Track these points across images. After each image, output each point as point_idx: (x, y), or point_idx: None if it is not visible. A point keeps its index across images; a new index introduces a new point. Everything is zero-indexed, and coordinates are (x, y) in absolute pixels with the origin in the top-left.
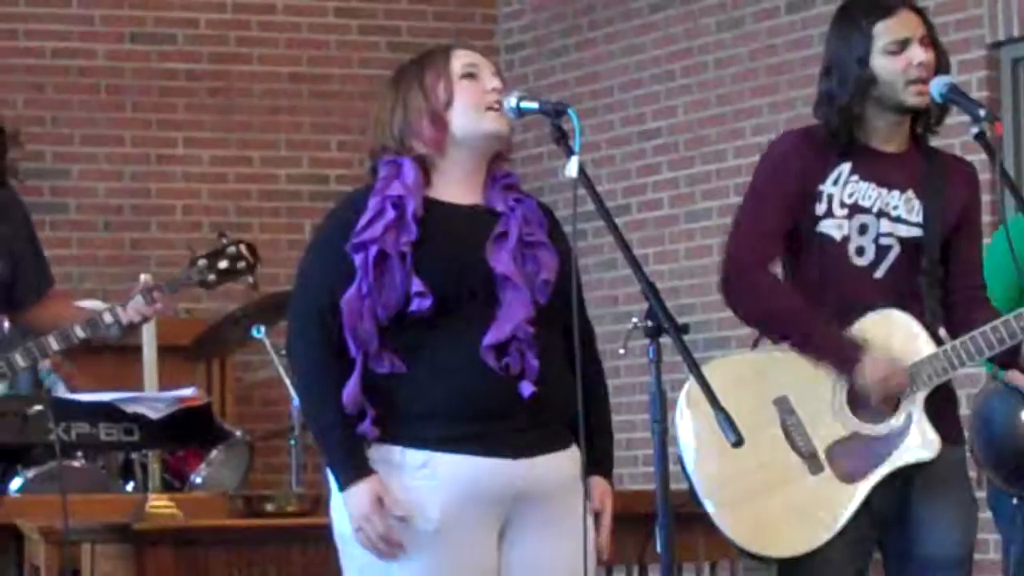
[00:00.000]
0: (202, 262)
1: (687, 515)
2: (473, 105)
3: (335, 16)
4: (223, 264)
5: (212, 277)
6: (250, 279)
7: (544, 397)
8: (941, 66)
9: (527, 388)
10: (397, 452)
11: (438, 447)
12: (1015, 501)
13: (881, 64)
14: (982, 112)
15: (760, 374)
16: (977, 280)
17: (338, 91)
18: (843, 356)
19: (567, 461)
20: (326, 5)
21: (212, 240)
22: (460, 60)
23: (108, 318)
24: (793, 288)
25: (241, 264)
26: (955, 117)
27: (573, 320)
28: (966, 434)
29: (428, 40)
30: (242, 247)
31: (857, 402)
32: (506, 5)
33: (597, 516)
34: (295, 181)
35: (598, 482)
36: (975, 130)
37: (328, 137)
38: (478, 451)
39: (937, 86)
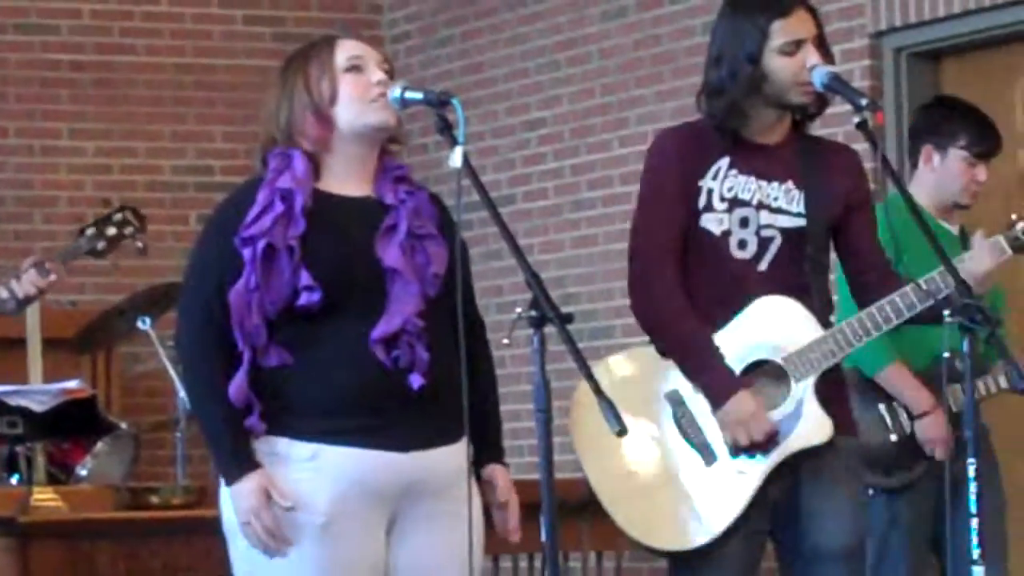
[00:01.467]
0: (91, 231)
1: (573, 505)
2: (357, 99)
3: (220, 7)
4: (111, 231)
5: (102, 244)
6: (139, 244)
7: (434, 390)
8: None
9: (416, 380)
10: (284, 444)
11: (326, 439)
12: (871, 492)
13: (774, 63)
14: (864, 101)
15: (653, 368)
16: (883, 257)
17: (223, 82)
18: (716, 386)
19: (457, 454)
20: None
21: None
22: (345, 52)
23: (3, 293)
24: (687, 303)
25: (129, 229)
26: (838, 106)
27: (458, 308)
28: None
29: (313, 30)
30: (128, 213)
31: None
32: None
33: (504, 504)
34: (180, 172)
35: (499, 470)
36: (857, 119)
37: (213, 128)
38: (367, 444)
39: (819, 75)
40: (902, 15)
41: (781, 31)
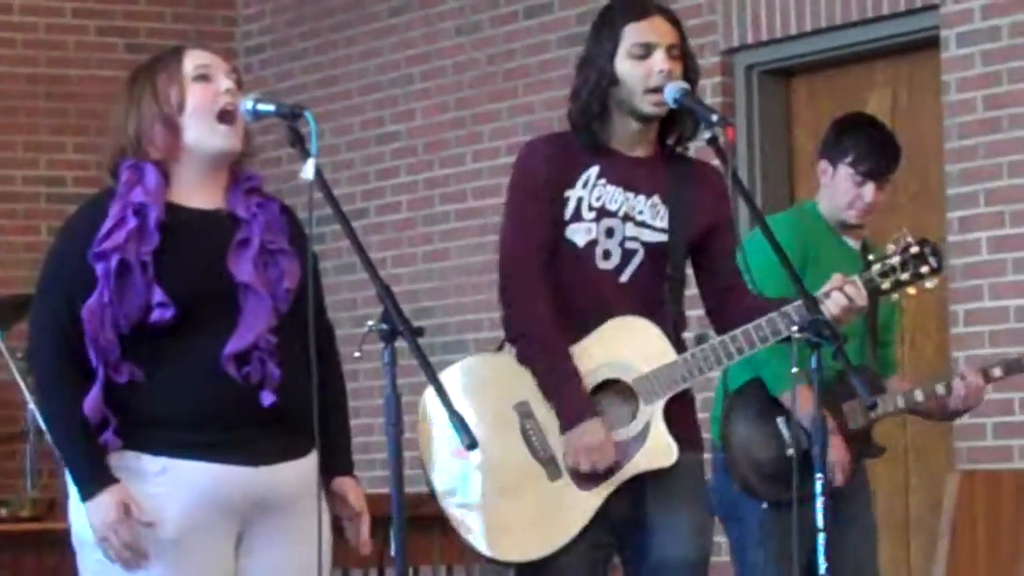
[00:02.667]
0: None
1: (423, 518)
2: (205, 108)
3: (73, 17)
4: None
5: None
6: None
7: (286, 406)
8: (689, 80)
9: (268, 397)
10: (134, 458)
11: (176, 454)
12: (764, 506)
13: (624, 67)
14: (715, 117)
15: (502, 377)
16: (740, 278)
17: (76, 93)
18: (570, 409)
19: (307, 467)
20: (64, 6)
21: None
22: (193, 61)
23: None
24: (554, 317)
25: None
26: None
27: (310, 323)
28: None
29: (167, 42)
30: None
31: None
32: (246, 7)
33: (355, 516)
34: (32, 183)
35: (348, 482)
36: (707, 135)
37: (65, 139)
38: (217, 458)
39: (671, 91)
40: (753, 33)
41: (632, 34)
